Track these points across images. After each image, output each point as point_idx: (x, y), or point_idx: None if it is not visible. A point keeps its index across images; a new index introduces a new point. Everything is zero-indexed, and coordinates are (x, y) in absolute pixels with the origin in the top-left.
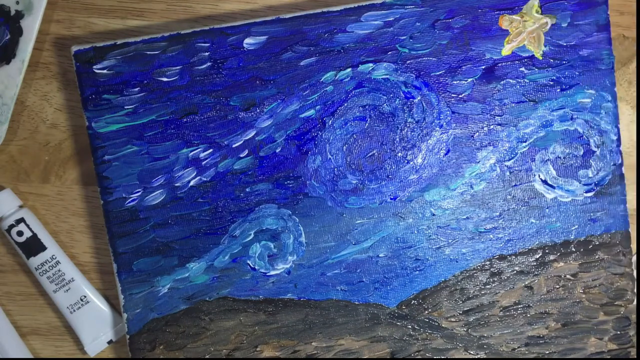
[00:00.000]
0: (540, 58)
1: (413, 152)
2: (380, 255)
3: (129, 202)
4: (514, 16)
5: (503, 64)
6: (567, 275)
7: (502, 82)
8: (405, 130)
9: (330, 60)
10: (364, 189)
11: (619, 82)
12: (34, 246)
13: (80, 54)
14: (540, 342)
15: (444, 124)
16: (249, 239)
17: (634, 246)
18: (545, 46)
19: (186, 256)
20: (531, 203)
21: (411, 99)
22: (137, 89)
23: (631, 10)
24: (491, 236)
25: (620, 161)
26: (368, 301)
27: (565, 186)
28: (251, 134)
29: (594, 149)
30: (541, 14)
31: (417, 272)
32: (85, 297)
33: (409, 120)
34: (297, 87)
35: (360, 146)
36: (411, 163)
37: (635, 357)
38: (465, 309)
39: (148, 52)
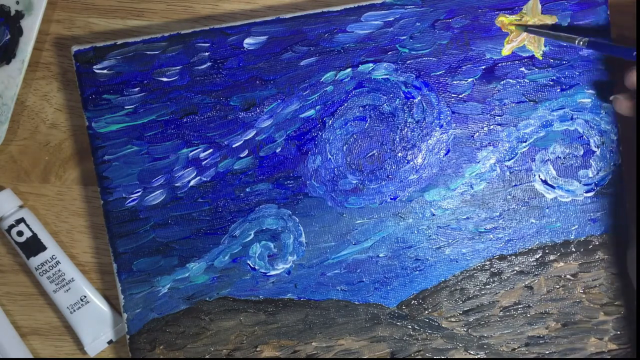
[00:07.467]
0: (540, 58)
1: (413, 152)
2: (380, 255)
3: (129, 202)
4: (513, 16)
5: (503, 64)
6: (567, 275)
7: (502, 82)
8: (405, 130)
9: (330, 60)
10: (364, 189)
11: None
12: (34, 246)
13: (80, 54)
14: (540, 342)
15: (444, 124)
16: (249, 239)
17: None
18: (545, 46)
19: (186, 256)
20: (531, 203)
21: (411, 99)
22: (137, 89)
23: (631, 10)
24: (491, 236)
25: (620, 161)
26: (368, 301)
27: (565, 186)
28: (251, 134)
29: (594, 149)
30: (541, 14)
31: (417, 272)
32: (85, 297)
33: (409, 120)
34: (297, 87)
35: (360, 146)
36: (411, 163)
37: (636, 357)
38: (465, 309)
39: (148, 52)
